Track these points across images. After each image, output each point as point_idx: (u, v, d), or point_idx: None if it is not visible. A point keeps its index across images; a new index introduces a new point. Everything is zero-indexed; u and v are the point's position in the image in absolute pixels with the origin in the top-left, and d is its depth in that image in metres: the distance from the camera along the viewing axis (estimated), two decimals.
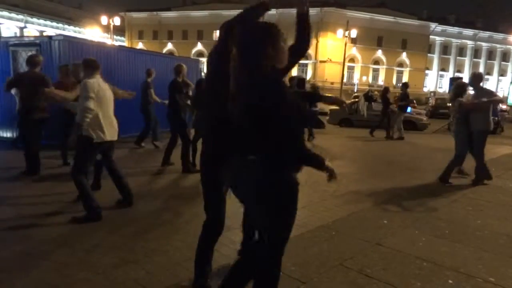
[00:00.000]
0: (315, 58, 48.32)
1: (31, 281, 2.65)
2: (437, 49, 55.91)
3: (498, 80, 59.52)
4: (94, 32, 43.65)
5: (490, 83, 59.27)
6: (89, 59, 3.98)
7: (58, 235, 3.44)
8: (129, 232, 3.55)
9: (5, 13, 44.82)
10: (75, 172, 3.78)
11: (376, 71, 51.92)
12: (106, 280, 2.67)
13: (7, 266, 2.84)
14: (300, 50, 2.15)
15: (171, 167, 6.30)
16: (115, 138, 4.04)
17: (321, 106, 23.03)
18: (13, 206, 4.19)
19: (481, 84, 6.00)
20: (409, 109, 12.11)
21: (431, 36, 53.26)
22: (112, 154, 4.21)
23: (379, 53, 51.13)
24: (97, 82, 3.85)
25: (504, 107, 25.16)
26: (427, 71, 54.10)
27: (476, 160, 5.86)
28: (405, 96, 11.42)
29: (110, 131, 3.92)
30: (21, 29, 46.22)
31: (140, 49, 32.19)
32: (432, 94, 43.73)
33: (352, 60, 48.98)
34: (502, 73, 59.57)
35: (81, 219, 3.70)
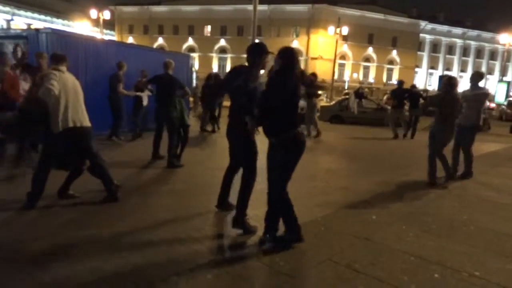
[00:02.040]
0: (306, 55, 48.37)
1: (15, 279, 2.61)
2: (427, 47, 56.41)
3: (486, 79, 60.35)
4: (83, 26, 42.97)
5: None
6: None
7: (44, 230, 3.39)
8: (116, 226, 3.51)
9: None
10: (40, 160, 3.97)
11: (366, 68, 52.19)
12: (94, 275, 2.64)
13: None
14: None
15: (158, 161, 6.23)
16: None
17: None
18: None
19: (480, 83, 6.22)
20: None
21: (421, 34, 53.69)
22: (88, 145, 4.08)
23: (370, 51, 51.39)
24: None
25: (492, 105, 25.59)
26: (417, 69, 54.58)
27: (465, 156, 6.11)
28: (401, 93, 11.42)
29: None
30: (8, 21, 45.25)
31: (130, 44, 31.82)
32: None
33: (343, 57, 49.12)
34: (490, 71, 60.38)
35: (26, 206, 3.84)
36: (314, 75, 9.58)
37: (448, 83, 5.59)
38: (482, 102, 6.18)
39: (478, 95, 6.03)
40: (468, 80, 6.30)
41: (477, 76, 6.27)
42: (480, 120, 6.06)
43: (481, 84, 6.27)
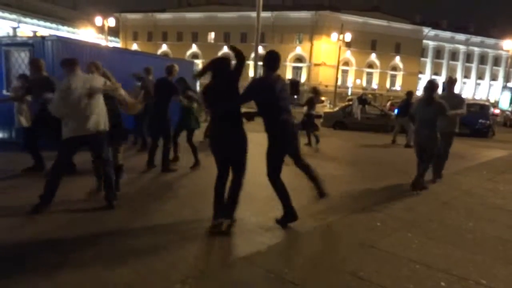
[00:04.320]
0: (310, 61, 48.50)
1: (16, 283, 2.61)
2: (430, 53, 56.42)
3: (490, 85, 60.24)
4: (88, 33, 43.39)
5: (481, 88, 60.00)
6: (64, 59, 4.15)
7: (45, 236, 3.39)
8: (118, 233, 3.51)
9: None
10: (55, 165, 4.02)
11: (370, 74, 52.21)
12: (97, 283, 2.64)
13: None
14: None
15: (157, 168, 6.20)
16: (86, 133, 3.98)
17: (316, 109, 23.09)
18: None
19: (454, 88, 6.29)
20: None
21: (424, 41, 53.74)
22: (100, 151, 4.16)
23: (373, 57, 51.45)
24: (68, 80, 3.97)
25: (496, 111, 25.49)
26: (420, 75, 54.54)
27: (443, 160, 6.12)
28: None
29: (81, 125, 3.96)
30: (14, 29, 45.80)
31: (134, 51, 32.10)
32: None
33: (346, 63, 49.20)
34: (494, 77, 60.31)
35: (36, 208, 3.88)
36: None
37: (430, 86, 5.44)
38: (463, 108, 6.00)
39: (460, 101, 5.97)
40: (443, 86, 6.27)
41: (450, 83, 6.27)
42: (457, 126, 6.05)
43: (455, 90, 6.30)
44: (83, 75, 4.11)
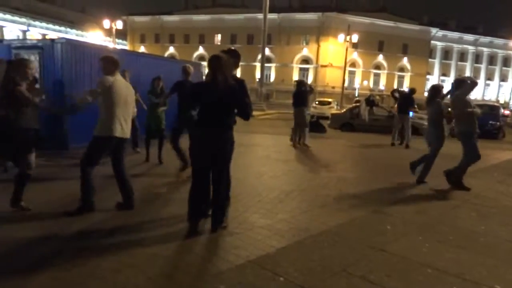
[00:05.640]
0: (316, 63, 48.44)
1: (26, 287, 2.61)
2: (438, 54, 55.99)
3: (500, 86, 59.57)
4: (96, 36, 43.82)
5: (491, 89, 59.36)
6: (110, 57, 4.13)
7: (55, 238, 3.39)
8: (129, 235, 3.51)
9: (8, 16, 45.10)
10: (85, 163, 3.97)
11: (377, 75, 51.97)
12: (106, 285, 2.63)
13: None
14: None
15: (168, 170, 6.18)
16: (125, 136, 4.10)
17: (322, 110, 22.90)
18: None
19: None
20: (410, 114, 12.01)
21: (432, 41, 53.37)
22: (122, 153, 4.23)
23: (380, 58, 51.21)
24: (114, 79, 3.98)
25: (507, 112, 25.16)
26: (428, 76, 54.14)
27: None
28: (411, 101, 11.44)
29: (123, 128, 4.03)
30: (24, 32, 46.46)
31: (142, 53, 32.29)
32: None
33: (353, 64, 49.04)
34: (503, 78, 59.65)
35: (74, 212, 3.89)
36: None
37: (432, 90, 6.16)
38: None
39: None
40: (454, 86, 6.11)
41: (457, 85, 6.14)
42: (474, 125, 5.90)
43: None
44: (123, 79, 4.21)
